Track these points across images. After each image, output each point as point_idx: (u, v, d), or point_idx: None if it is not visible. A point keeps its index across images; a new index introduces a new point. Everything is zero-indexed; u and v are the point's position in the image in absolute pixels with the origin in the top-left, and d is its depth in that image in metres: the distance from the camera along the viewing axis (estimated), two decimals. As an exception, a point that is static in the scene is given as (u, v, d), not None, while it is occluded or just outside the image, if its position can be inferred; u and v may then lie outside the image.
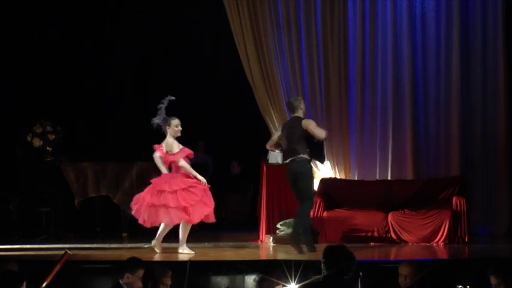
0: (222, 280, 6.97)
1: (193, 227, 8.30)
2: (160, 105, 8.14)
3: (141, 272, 5.57)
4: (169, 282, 5.47)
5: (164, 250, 8.38)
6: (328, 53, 10.36)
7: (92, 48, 12.02)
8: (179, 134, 8.13)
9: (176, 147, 8.03)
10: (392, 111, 10.26)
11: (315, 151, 8.23)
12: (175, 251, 8.41)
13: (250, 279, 6.90)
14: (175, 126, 8.09)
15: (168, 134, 8.10)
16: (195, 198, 7.90)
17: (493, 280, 5.15)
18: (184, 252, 8.02)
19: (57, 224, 10.41)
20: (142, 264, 5.71)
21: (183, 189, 7.90)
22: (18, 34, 11.72)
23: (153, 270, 5.55)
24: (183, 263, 7.24)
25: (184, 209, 7.89)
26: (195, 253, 8.05)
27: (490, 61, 10.18)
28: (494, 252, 8.48)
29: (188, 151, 8.06)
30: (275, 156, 8.84)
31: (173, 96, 8.20)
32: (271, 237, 9.10)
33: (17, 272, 5.25)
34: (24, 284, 4.99)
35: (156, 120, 8.11)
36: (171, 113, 11.86)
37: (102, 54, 12.04)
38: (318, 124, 9.43)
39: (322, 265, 4.67)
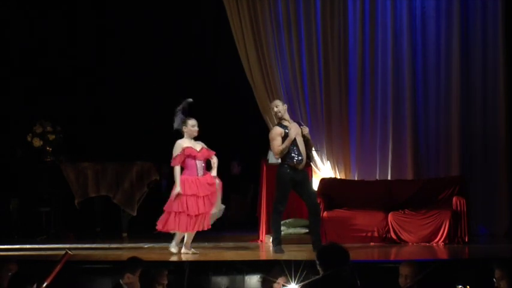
0: (222, 280, 6.96)
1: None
2: (179, 106, 8.17)
3: (141, 273, 5.58)
4: (165, 281, 5.47)
5: (162, 250, 8.39)
6: (328, 53, 10.37)
7: (92, 48, 12.02)
8: (195, 134, 8.11)
9: (176, 151, 8.04)
10: (392, 111, 10.27)
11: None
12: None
13: (250, 279, 6.89)
14: (191, 126, 8.10)
15: (185, 134, 8.12)
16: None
17: (496, 273, 5.31)
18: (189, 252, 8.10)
19: (57, 224, 10.41)
20: (143, 264, 5.71)
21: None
22: (17, 34, 11.73)
23: (148, 270, 5.55)
24: (181, 263, 7.24)
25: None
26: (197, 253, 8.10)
27: (490, 61, 10.19)
28: (494, 252, 8.47)
29: (182, 155, 8.01)
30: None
31: (189, 100, 8.23)
32: (271, 237, 9.09)
33: (27, 273, 5.27)
34: (35, 285, 5.01)
35: (176, 122, 8.15)
36: (168, 112, 11.93)
37: (102, 53, 12.04)
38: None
39: (318, 266, 4.69)
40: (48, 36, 11.80)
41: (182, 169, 8.05)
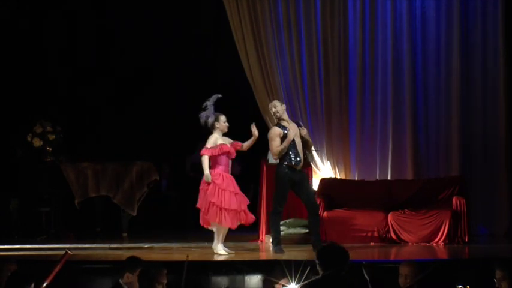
0: (222, 280, 6.96)
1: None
2: (207, 102, 8.21)
3: (140, 272, 5.57)
4: (165, 280, 5.46)
5: (162, 250, 8.38)
6: (328, 53, 10.37)
7: (92, 48, 12.02)
8: (226, 130, 8.22)
9: (211, 143, 8.08)
10: (392, 111, 10.27)
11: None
12: (173, 251, 8.43)
13: (250, 279, 6.89)
14: (223, 121, 8.20)
15: (216, 129, 8.16)
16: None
17: (497, 274, 5.31)
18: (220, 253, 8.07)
19: (57, 224, 10.40)
20: (143, 263, 5.71)
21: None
22: (18, 34, 11.73)
23: (148, 269, 5.54)
24: (180, 262, 7.24)
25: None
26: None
27: (490, 61, 10.19)
28: (494, 252, 8.47)
29: (218, 150, 8.06)
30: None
31: (218, 95, 8.29)
32: (271, 238, 9.08)
33: (25, 272, 5.27)
34: (33, 285, 5.01)
35: (208, 118, 8.17)
36: (168, 112, 11.92)
37: (102, 54, 12.03)
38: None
39: (318, 266, 4.70)
40: (48, 36, 11.79)
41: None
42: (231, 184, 8.04)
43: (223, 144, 8.09)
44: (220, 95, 8.28)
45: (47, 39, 11.81)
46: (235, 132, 11.86)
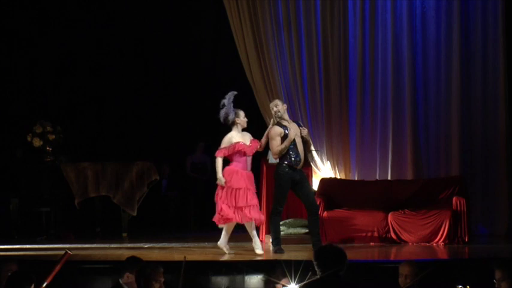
0: (222, 280, 6.96)
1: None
2: (223, 100, 8.18)
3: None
4: (162, 278, 5.46)
5: (162, 250, 8.39)
6: (328, 53, 10.38)
7: (92, 48, 12.03)
8: (245, 125, 8.19)
9: (225, 142, 8.08)
10: (392, 111, 10.27)
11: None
12: (173, 251, 8.43)
13: (250, 279, 6.90)
14: (243, 117, 8.19)
15: (236, 125, 8.15)
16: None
17: (497, 274, 5.31)
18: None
19: (57, 224, 10.40)
20: (143, 263, 5.71)
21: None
22: (19, 35, 11.73)
23: (144, 268, 5.54)
24: (179, 262, 7.24)
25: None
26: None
27: (490, 61, 10.19)
28: (494, 252, 8.47)
29: (232, 149, 8.04)
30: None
31: (234, 92, 8.24)
32: (271, 238, 9.08)
33: (25, 272, 5.27)
34: (33, 285, 5.01)
35: (228, 115, 8.14)
36: (168, 112, 11.93)
37: (102, 53, 12.04)
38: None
39: (316, 266, 4.70)
40: (48, 36, 11.80)
41: (227, 162, 8.10)
42: (244, 182, 7.99)
43: (237, 142, 8.06)
44: (236, 92, 8.22)
45: (47, 39, 11.81)
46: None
